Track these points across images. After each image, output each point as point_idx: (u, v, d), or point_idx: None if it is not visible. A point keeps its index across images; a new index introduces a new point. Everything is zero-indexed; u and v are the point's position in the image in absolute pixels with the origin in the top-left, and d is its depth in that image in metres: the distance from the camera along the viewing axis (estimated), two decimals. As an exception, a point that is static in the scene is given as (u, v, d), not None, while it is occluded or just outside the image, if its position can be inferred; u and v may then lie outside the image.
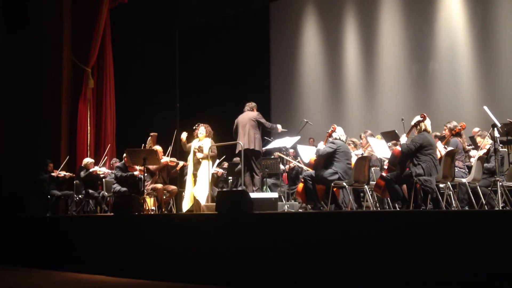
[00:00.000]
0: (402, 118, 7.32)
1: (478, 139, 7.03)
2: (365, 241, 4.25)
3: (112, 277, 5.81)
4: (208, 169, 7.50)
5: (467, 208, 6.29)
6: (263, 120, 7.46)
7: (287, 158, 8.53)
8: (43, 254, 6.82)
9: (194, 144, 7.73)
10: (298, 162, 8.92)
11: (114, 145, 11.55)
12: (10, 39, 11.15)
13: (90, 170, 9.25)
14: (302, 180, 6.75)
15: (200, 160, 7.61)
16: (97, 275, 5.96)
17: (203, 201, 7.32)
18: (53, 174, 9.68)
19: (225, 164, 9.94)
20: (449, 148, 6.21)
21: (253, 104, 7.67)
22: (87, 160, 9.67)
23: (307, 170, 7.04)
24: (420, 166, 5.75)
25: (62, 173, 9.72)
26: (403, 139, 6.08)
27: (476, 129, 7.85)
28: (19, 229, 7.30)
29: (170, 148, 8.30)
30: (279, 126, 7.61)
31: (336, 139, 6.54)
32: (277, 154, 8.27)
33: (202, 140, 7.73)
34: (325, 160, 6.49)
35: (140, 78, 12.80)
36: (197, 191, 7.46)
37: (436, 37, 10.60)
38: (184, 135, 7.82)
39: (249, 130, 7.33)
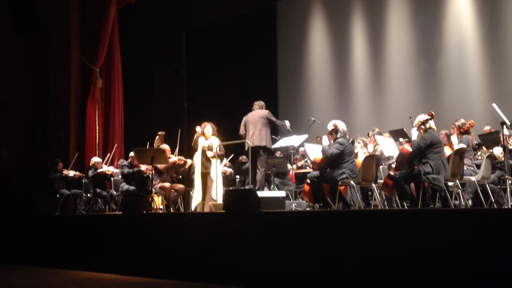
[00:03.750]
0: (410, 116, 7.27)
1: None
2: (373, 239, 4.23)
3: (119, 276, 5.83)
4: (219, 168, 7.58)
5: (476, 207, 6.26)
6: (273, 118, 7.51)
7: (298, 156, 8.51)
8: (51, 253, 6.85)
9: (201, 143, 7.70)
10: (307, 161, 8.91)
11: (122, 144, 11.59)
12: (18, 39, 11.20)
13: (98, 170, 9.29)
14: (308, 180, 6.72)
15: (210, 158, 7.60)
16: (105, 274, 5.98)
17: (220, 200, 7.31)
18: (63, 173, 9.75)
19: (228, 163, 9.94)
20: (460, 145, 6.18)
21: (262, 102, 7.73)
22: (95, 159, 9.72)
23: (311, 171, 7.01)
24: (428, 164, 5.72)
25: (72, 173, 9.79)
26: (415, 132, 6.04)
27: (487, 128, 7.80)
28: (28, 228, 7.34)
29: (177, 149, 8.31)
30: (287, 122, 7.57)
31: (341, 137, 6.47)
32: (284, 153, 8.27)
33: (209, 138, 7.72)
34: (331, 160, 6.45)
35: (147, 78, 12.84)
36: (218, 191, 7.45)
37: (444, 34, 10.54)
38: (199, 129, 7.79)
39: (260, 128, 7.36)
